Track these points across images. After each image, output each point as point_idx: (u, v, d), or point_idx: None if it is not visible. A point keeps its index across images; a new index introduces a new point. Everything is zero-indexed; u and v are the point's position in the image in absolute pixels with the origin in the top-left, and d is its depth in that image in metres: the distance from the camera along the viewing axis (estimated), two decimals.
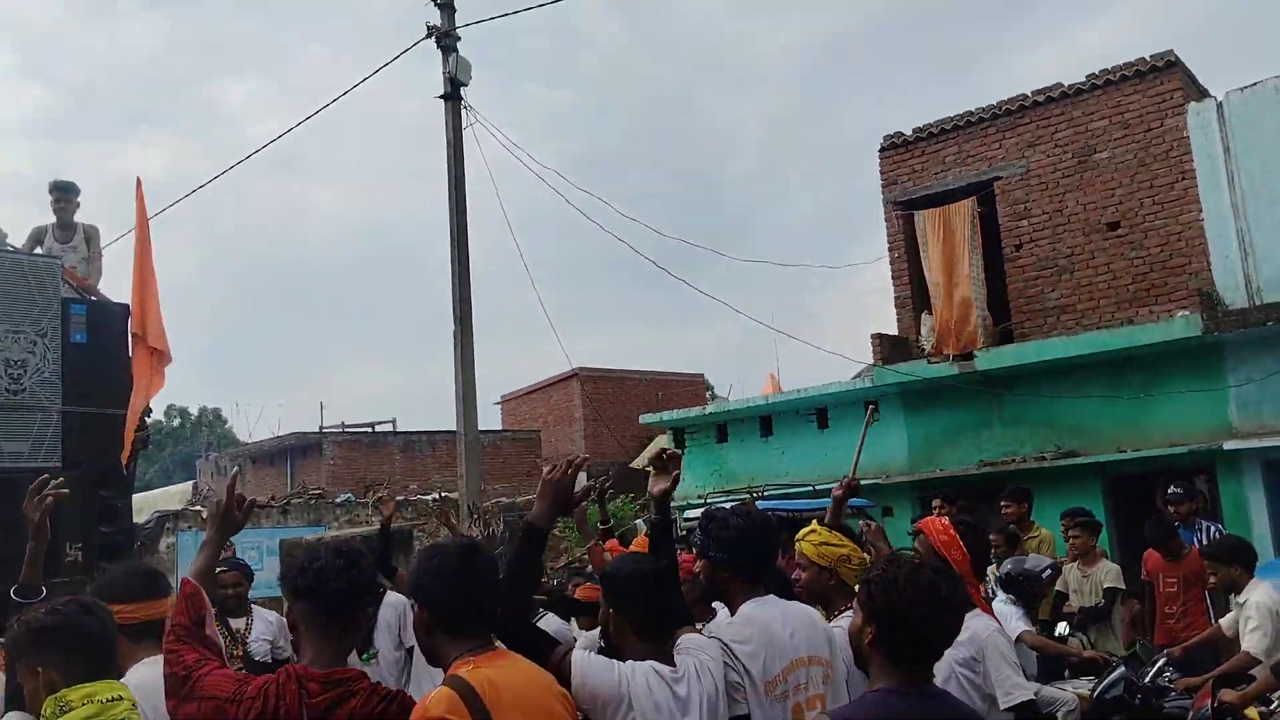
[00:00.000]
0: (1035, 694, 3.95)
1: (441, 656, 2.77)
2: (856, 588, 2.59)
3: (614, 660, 3.00)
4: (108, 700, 2.74)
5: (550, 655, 2.92)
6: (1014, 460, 13.20)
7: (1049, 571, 6.74)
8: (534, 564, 3.06)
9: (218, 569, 5.78)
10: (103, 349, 7.84)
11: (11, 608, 3.70)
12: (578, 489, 3.23)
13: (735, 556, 3.38)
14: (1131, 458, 12.22)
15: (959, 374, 13.42)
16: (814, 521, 4.30)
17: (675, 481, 3.48)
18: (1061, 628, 7.09)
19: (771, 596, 3.48)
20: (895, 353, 14.29)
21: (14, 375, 7.35)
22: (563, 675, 2.88)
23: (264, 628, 6.88)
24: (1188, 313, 12.04)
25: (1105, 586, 7.92)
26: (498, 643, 2.84)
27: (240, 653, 6.61)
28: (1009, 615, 6.11)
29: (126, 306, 8.15)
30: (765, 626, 3.29)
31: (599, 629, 3.42)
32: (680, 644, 3.15)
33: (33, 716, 2.82)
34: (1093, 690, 6.16)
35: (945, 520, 4.13)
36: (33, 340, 7.49)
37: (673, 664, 3.05)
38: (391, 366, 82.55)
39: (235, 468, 3.84)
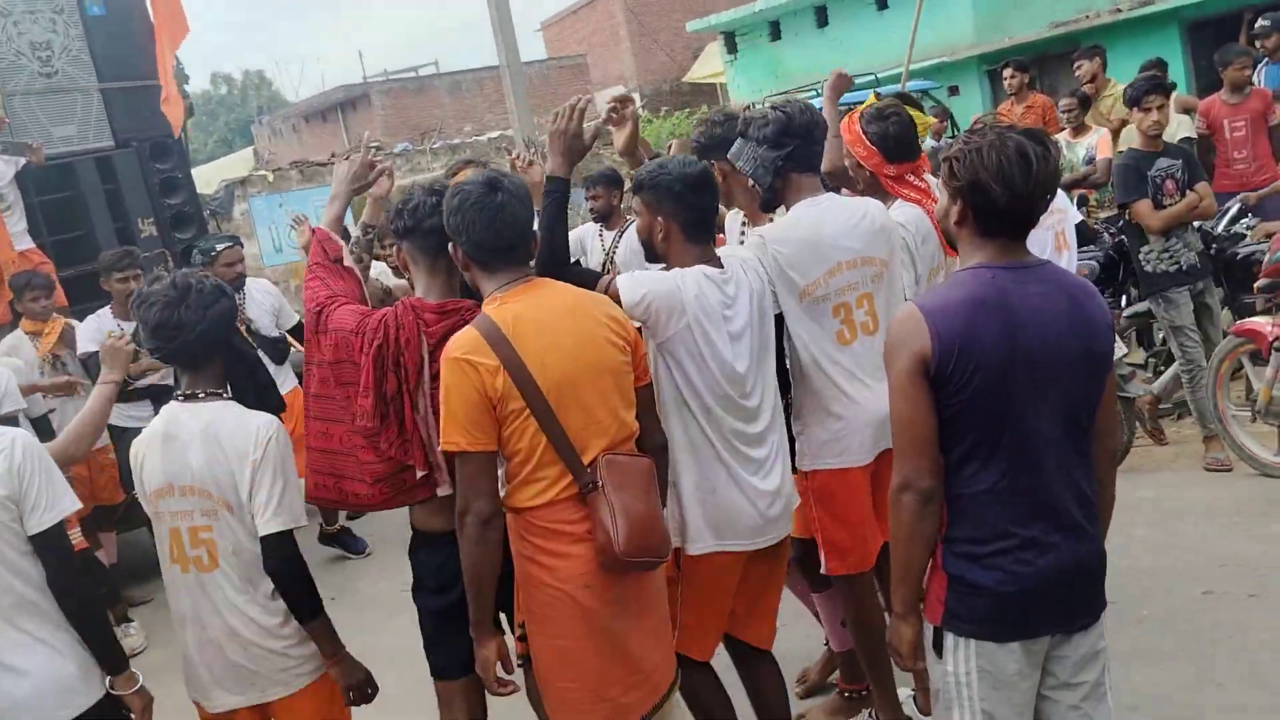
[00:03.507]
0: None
1: (480, 293, 2.79)
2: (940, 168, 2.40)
3: (669, 282, 2.95)
4: None
5: (596, 285, 2.94)
6: (1087, 16, 12.43)
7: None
8: (562, 215, 3.03)
9: (221, 246, 5.88)
10: (123, 18, 7.53)
11: None
12: (588, 132, 3.10)
13: (779, 153, 3.22)
14: None
15: None
16: (871, 95, 4.24)
17: (635, 125, 3.53)
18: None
19: (829, 195, 3.36)
20: None
21: (43, 58, 7.16)
22: (613, 298, 2.88)
23: (263, 299, 6.15)
24: None
25: (1179, 137, 7.57)
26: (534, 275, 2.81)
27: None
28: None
29: None
30: (812, 227, 3.20)
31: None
32: (720, 251, 3.11)
33: None
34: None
35: (853, 116, 3.71)
36: (51, 19, 7.22)
37: (719, 265, 3.02)
38: (426, 4, 79.20)
39: (366, 132, 3.86)
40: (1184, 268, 5.67)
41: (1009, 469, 2.25)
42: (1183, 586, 4.33)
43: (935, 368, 2.22)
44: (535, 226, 2.88)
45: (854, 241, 3.23)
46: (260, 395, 2.94)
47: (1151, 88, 5.65)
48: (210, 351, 2.86)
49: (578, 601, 2.66)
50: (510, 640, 2.89)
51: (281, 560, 2.76)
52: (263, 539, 2.74)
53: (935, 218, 2.43)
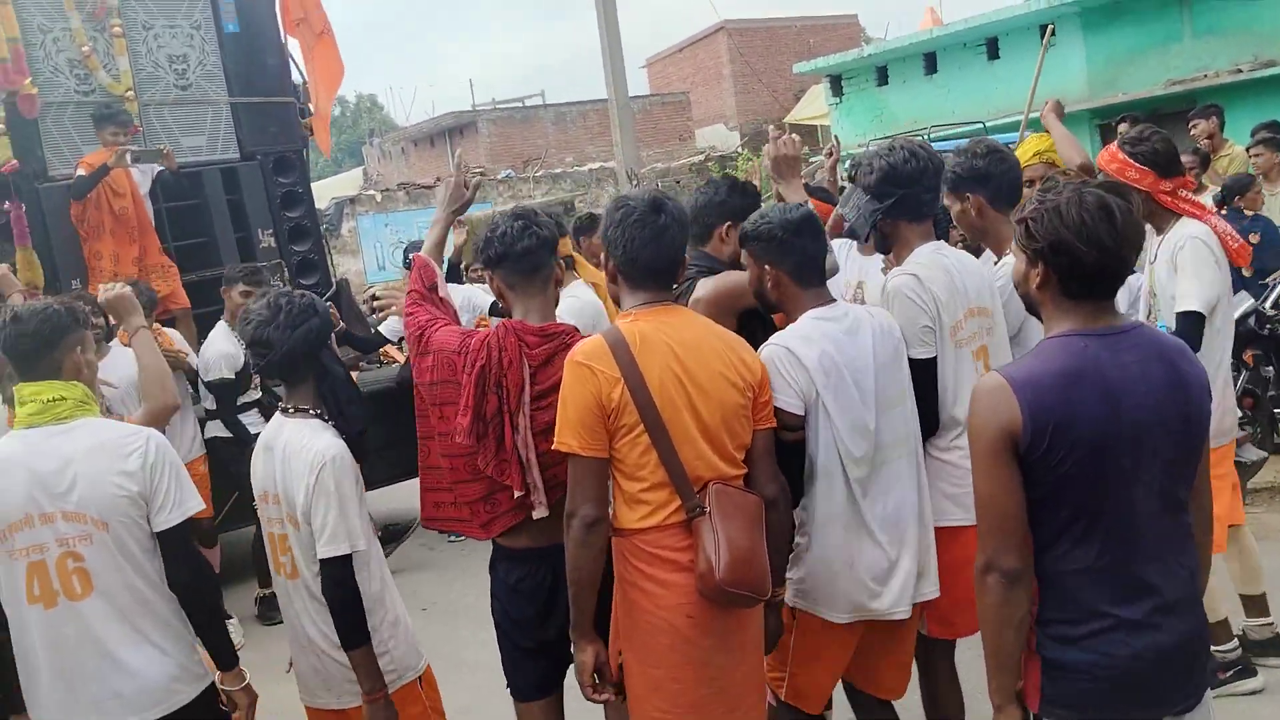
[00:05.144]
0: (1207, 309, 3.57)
1: (621, 305, 2.83)
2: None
3: (773, 361, 2.85)
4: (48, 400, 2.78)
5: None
6: (1205, 76, 12.17)
7: None
8: None
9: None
10: (256, 36, 7.84)
11: None
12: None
13: (897, 197, 3.10)
14: None
15: None
16: (1031, 137, 4.27)
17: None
18: None
19: (942, 243, 3.29)
20: None
21: (179, 70, 7.48)
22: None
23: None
24: None
25: None
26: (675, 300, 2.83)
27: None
28: None
29: None
30: (946, 270, 3.12)
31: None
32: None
33: None
34: None
35: (1112, 147, 3.72)
36: (189, 34, 7.54)
37: (831, 302, 2.97)
38: (535, 38, 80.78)
39: (460, 150, 3.98)
40: None
41: (1105, 547, 2.12)
42: None
43: (1026, 446, 2.08)
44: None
45: (973, 288, 3.16)
46: (342, 415, 2.94)
47: None
48: (299, 368, 2.91)
49: (678, 630, 2.64)
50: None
51: (333, 584, 2.76)
52: (320, 562, 2.77)
53: (1016, 278, 2.27)
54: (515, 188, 20.66)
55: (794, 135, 3.60)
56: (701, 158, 20.14)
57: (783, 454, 2.84)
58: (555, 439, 2.66)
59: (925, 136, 13.25)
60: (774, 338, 2.93)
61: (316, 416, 2.90)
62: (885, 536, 2.91)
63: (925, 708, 3.39)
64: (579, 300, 5.05)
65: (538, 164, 24.09)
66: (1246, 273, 6.03)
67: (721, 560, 2.56)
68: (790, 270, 2.96)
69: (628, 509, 2.68)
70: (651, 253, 2.70)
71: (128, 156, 6.42)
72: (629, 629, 2.73)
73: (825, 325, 2.90)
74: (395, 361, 7.92)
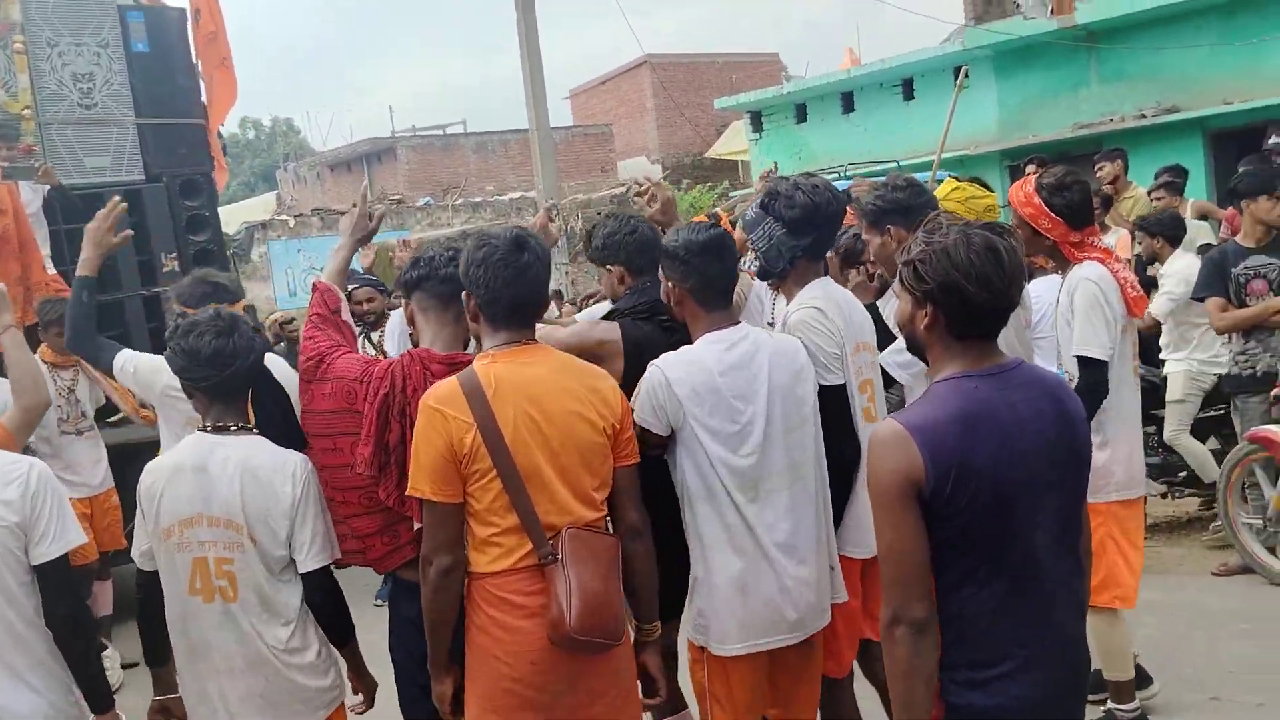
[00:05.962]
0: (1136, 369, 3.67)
1: (480, 345, 2.79)
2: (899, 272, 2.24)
3: (647, 383, 2.89)
4: None
5: None
6: (1111, 120, 12.60)
7: None
8: None
9: (352, 286, 5.91)
10: (166, 57, 7.64)
11: None
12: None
13: (799, 242, 3.13)
14: (1237, 110, 11.57)
15: (1057, 29, 12.58)
16: (949, 179, 4.26)
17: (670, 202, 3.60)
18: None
19: (828, 278, 3.33)
20: (989, 11, 13.39)
21: (84, 89, 7.25)
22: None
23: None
24: None
25: (1198, 244, 7.61)
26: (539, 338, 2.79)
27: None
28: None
29: (183, 11, 7.89)
30: (839, 304, 3.18)
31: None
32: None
33: None
34: None
35: (1028, 188, 3.70)
36: (95, 52, 7.32)
37: (733, 325, 2.97)
38: (457, 66, 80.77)
39: (365, 182, 3.95)
40: (1258, 374, 5.32)
41: (1011, 586, 2.12)
42: (1191, 691, 4.25)
43: (931, 492, 2.06)
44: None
45: (860, 324, 3.25)
46: (288, 432, 2.95)
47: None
48: (249, 384, 2.89)
49: (520, 677, 2.61)
50: None
51: (324, 593, 2.85)
52: (305, 575, 2.81)
53: (901, 320, 2.26)
54: (434, 215, 20.47)
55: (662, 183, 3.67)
56: (623, 190, 20.19)
57: (651, 470, 2.88)
58: (409, 485, 2.62)
59: (842, 174, 13.47)
60: (658, 360, 2.93)
61: (256, 434, 2.87)
62: (785, 560, 2.88)
63: None
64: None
65: (457, 192, 23.92)
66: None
67: (573, 608, 2.54)
68: (692, 290, 2.97)
69: (479, 552, 2.65)
70: (514, 292, 2.67)
71: None
72: (471, 671, 2.70)
73: (714, 349, 2.91)
74: None
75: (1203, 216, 8.11)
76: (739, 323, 3.02)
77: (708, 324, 2.96)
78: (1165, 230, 6.44)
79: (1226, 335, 5.52)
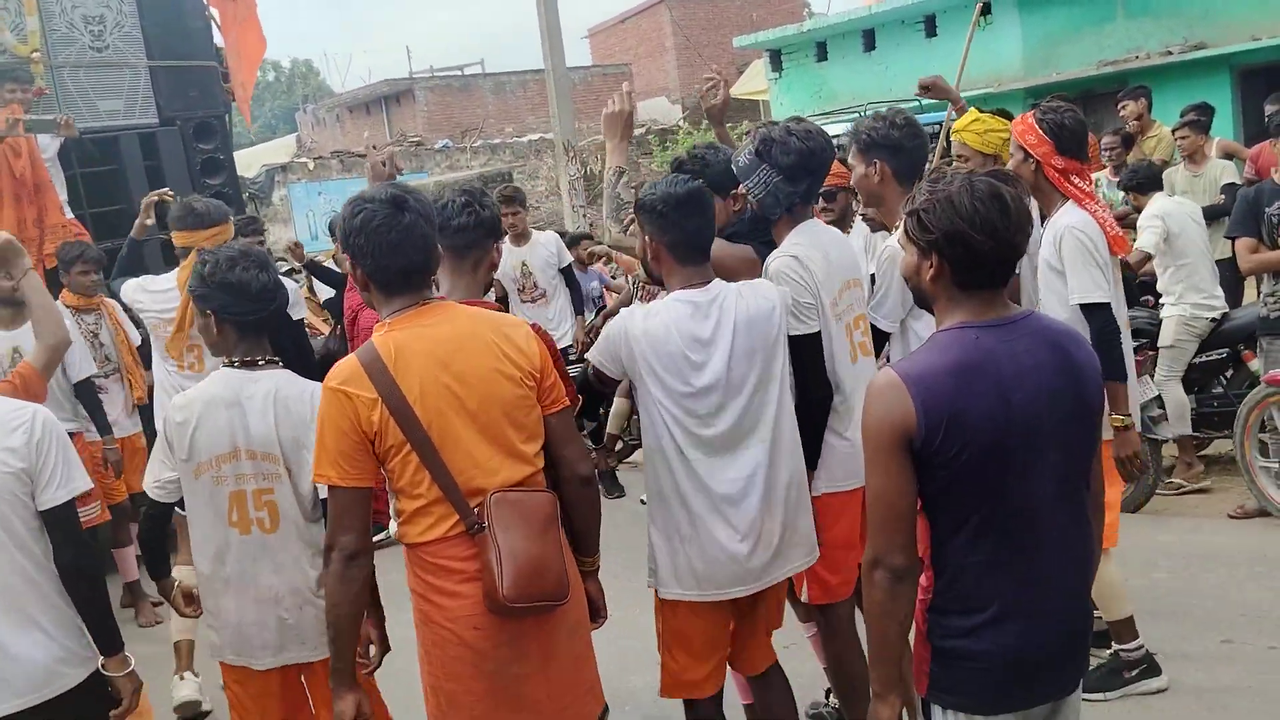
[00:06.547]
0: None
1: (379, 314, 2.67)
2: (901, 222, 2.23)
3: (608, 329, 2.99)
4: None
5: None
6: (1137, 57, 12.34)
7: None
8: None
9: None
10: None
11: None
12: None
13: (795, 188, 3.14)
14: (1265, 45, 11.28)
15: None
16: (972, 109, 4.20)
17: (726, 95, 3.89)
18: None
19: (816, 220, 3.34)
20: None
21: (95, 32, 7.22)
22: None
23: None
24: None
25: (1223, 183, 7.47)
26: (439, 296, 2.71)
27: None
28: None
29: None
30: (823, 247, 3.19)
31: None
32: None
33: None
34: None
35: (1029, 118, 3.68)
36: None
37: (705, 284, 2.95)
38: (476, 5, 79.71)
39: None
40: None
41: (1003, 539, 2.11)
42: (1202, 634, 4.25)
43: (921, 442, 2.05)
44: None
45: (848, 262, 3.29)
46: (306, 363, 2.99)
47: None
48: (278, 318, 2.97)
49: (466, 643, 2.53)
50: None
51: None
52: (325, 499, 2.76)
53: (906, 272, 2.24)
54: (453, 158, 20.38)
55: (630, 91, 3.53)
56: (642, 130, 20.01)
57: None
58: (314, 470, 2.55)
59: (862, 113, 13.28)
60: (626, 312, 2.99)
61: (282, 366, 2.93)
62: (736, 514, 2.90)
63: (830, 672, 3.43)
64: None
65: (476, 134, 23.78)
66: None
67: (505, 577, 2.45)
68: (668, 244, 2.96)
69: (410, 524, 2.57)
70: (401, 257, 2.52)
71: (20, 126, 6.14)
72: (422, 641, 2.63)
73: (679, 307, 2.91)
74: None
75: (1228, 156, 7.94)
76: (711, 280, 2.98)
77: (682, 279, 2.95)
78: (1136, 180, 6.38)
79: (1254, 276, 5.43)
